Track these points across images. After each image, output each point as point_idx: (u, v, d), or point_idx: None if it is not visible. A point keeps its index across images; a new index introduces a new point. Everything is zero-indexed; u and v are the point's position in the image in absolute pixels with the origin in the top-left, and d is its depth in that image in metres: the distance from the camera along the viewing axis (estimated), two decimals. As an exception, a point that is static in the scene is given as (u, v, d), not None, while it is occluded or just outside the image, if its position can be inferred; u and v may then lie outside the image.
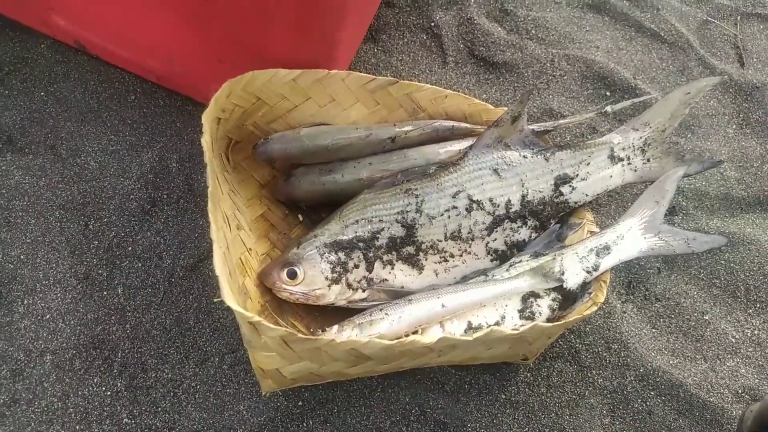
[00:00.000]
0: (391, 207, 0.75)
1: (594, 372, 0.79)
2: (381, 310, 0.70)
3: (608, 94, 1.05)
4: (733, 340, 0.84)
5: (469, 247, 0.76)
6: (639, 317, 0.85)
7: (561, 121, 0.85)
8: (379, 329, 0.68)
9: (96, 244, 0.78)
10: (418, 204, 0.75)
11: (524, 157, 0.78)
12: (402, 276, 0.74)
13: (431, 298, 0.70)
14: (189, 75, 0.85)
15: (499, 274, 0.74)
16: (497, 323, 0.71)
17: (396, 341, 0.60)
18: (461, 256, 0.76)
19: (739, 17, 1.19)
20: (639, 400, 0.78)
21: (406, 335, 0.69)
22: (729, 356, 0.83)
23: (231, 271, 0.66)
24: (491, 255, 0.77)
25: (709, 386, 0.80)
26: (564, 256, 0.74)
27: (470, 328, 0.70)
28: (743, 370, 0.82)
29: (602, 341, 0.81)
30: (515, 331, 0.64)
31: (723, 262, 0.90)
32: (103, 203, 0.81)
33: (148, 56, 0.85)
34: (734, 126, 1.06)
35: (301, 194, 0.80)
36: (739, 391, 0.80)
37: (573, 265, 0.73)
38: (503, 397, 0.76)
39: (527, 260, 0.75)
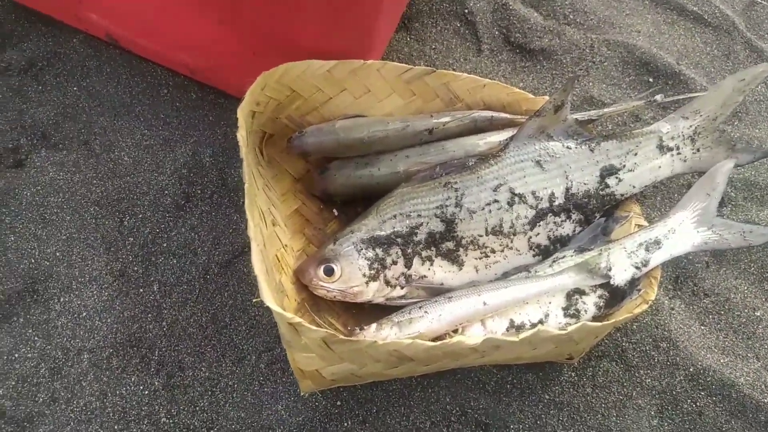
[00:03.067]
0: (430, 201, 0.73)
1: (641, 372, 0.76)
2: (420, 308, 0.68)
3: (651, 80, 1.00)
4: (787, 337, 0.81)
5: (511, 242, 0.73)
6: (687, 314, 0.81)
7: (606, 110, 0.81)
8: (419, 328, 0.66)
9: (131, 241, 0.77)
10: (457, 198, 0.73)
11: (568, 147, 0.75)
12: (441, 272, 0.72)
13: (472, 295, 0.68)
14: (222, 68, 0.84)
15: (542, 270, 0.71)
16: (541, 321, 0.68)
17: (439, 343, 0.57)
18: (503, 251, 0.73)
19: (788, -3, 1.13)
20: (689, 401, 0.75)
21: (447, 334, 0.67)
22: (783, 354, 0.79)
23: (268, 268, 0.64)
24: (534, 250, 0.74)
25: (763, 386, 0.76)
26: (611, 251, 0.71)
27: (512, 326, 0.68)
28: (798, 370, 0.78)
29: (650, 339, 0.78)
30: (563, 331, 0.61)
31: (775, 255, 0.86)
32: (138, 199, 0.80)
33: (180, 50, 0.84)
34: (784, 112, 1.01)
35: (337, 188, 0.78)
36: (796, 392, 0.76)
37: (621, 260, 0.70)
38: (547, 397, 0.74)
39: (571, 255, 0.72)
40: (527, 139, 0.75)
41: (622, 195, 0.76)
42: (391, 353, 0.58)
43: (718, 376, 0.76)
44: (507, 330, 0.67)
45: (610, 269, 0.70)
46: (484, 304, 0.67)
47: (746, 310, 0.82)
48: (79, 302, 0.74)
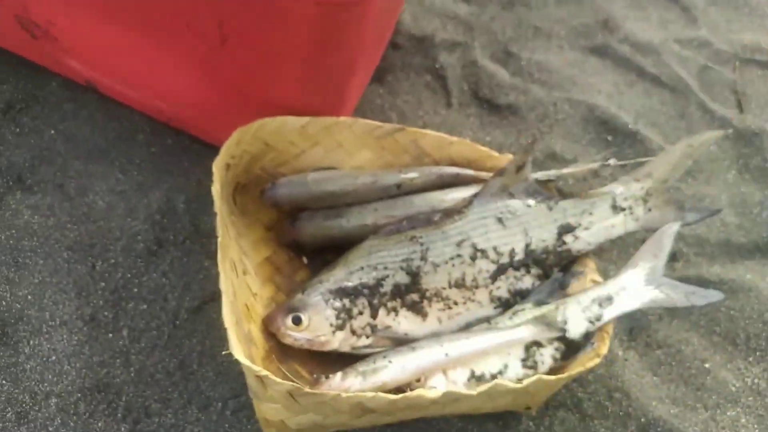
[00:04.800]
0: (396, 254, 0.76)
1: (596, 422, 0.79)
2: (384, 357, 0.70)
3: (610, 138, 1.06)
4: (734, 389, 0.85)
5: (473, 294, 0.77)
6: (640, 365, 0.85)
7: (564, 171, 0.86)
8: (383, 377, 0.68)
9: (103, 286, 0.79)
10: (423, 252, 0.76)
11: (528, 206, 0.80)
12: (406, 323, 0.75)
13: (434, 345, 0.70)
14: (199, 118, 0.86)
15: (502, 323, 0.75)
16: (500, 372, 0.71)
17: (401, 396, 0.60)
18: (465, 303, 0.76)
19: (737, 63, 1.21)
20: (640, 451, 0.78)
21: (410, 383, 0.69)
22: (729, 405, 0.83)
23: (237, 319, 0.66)
24: (495, 303, 0.77)
25: (710, 437, 0.80)
26: (566, 306, 0.74)
27: (473, 376, 0.70)
28: (744, 420, 0.82)
29: (604, 389, 0.82)
30: (519, 385, 0.64)
31: (723, 309, 0.91)
32: (111, 244, 0.81)
33: (158, 99, 0.87)
34: (734, 171, 1.07)
35: (306, 238, 0.81)
36: (740, 443, 0.80)
37: (575, 314, 0.74)
38: (505, 446, 0.76)
39: (530, 308, 0.76)
40: (490, 197, 0.79)
41: (578, 251, 0.80)
42: (354, 405, 0.61)
43: (668, 426, 0.79)
44: (468, 380, 0.70)
45: (566, 323, 0.73)
46: (446, 354, 0.70)
47: (696, 362, 0.86)
48: (48, 346, 0.74)
